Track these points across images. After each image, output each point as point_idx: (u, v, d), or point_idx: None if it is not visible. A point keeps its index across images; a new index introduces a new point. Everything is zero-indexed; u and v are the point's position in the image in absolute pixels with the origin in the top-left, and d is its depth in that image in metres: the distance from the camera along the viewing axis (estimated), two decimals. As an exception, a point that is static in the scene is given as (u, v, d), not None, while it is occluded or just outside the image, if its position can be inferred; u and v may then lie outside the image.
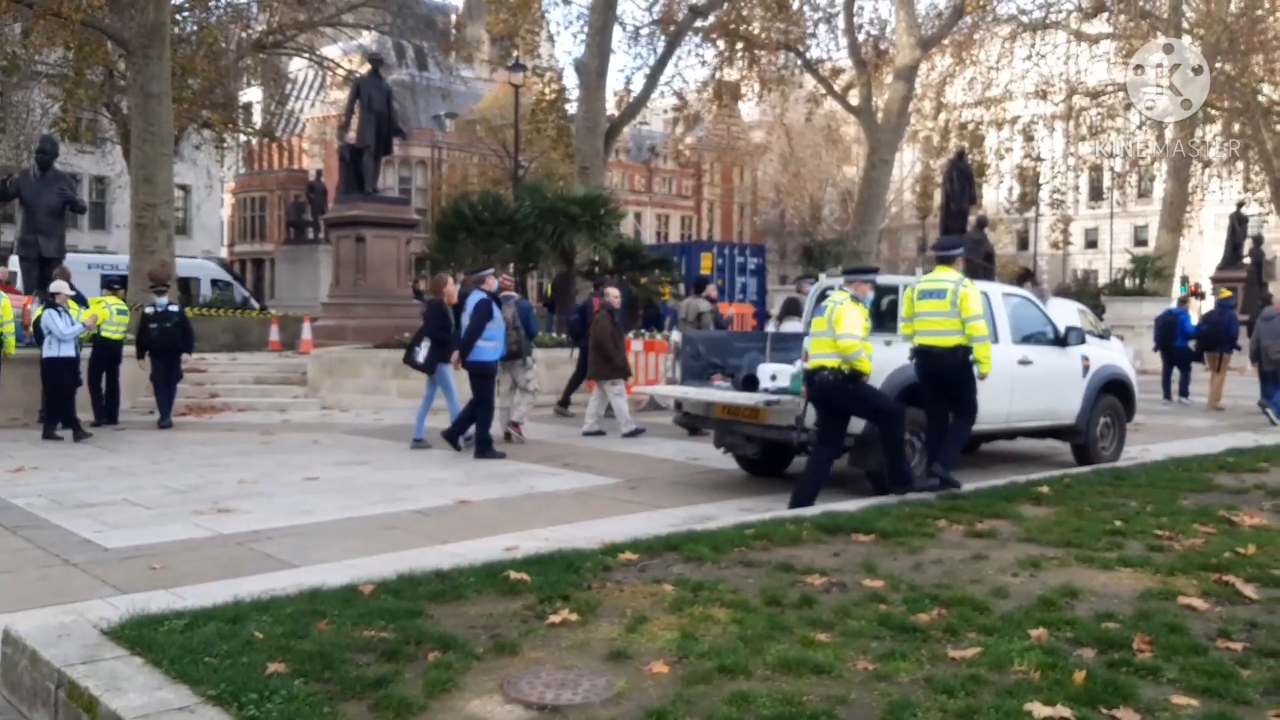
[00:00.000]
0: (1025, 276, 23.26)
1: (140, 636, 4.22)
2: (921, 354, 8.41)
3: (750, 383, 9.16)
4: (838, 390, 7.90)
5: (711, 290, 15.38)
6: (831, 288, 10.83)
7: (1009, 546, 6.18)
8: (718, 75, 31.63)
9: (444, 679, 3.81)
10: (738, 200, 76.70)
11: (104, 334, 13.15)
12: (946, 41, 33.13)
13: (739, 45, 26.67)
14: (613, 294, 13.05)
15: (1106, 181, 56.94)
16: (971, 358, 8.17)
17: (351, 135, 20.96)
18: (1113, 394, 10.66)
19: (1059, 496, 7.82)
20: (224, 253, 62.15)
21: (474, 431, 11.01)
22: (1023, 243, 69.18)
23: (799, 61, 28.67)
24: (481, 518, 7.90)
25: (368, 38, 37.27)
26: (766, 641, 4.26)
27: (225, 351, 18.67)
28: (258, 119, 42.57)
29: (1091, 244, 74.87)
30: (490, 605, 4.83)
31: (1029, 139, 50.23)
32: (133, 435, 12.58)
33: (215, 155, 38.68)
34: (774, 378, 9.20)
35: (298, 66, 49.54)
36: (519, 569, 5.34)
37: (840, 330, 7.74)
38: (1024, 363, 9.88)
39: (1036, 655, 4.06)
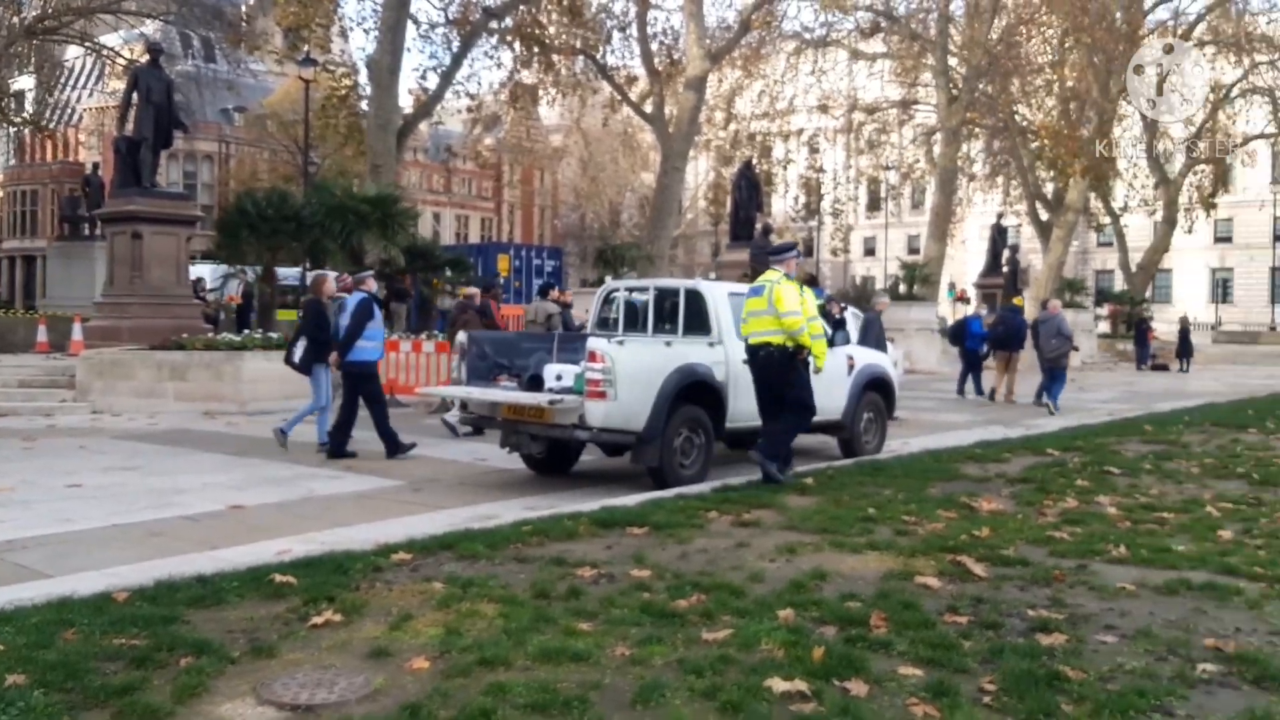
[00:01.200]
0: (810, 281, 24.37)
1: None
2: (750, 352, 8.82)
3: (536, 383, 9.25)
4: (781, 366, 8.50)
5: (563, 295, 15.48)
6: (617, 290, 11.15)
7: (771, 534, 6.51)
8: (515, 78, 31.66)
9: (194, 684, 3.73)
10: (538, 203, 76.77)
11: None
12: (736, 55, 34.29)
13: (534, 49, 26.75)
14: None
15: (883, 193, 60.37)
16: (803, 355, 8.54)
17: (129, 127, 19.88)
18: (875, 391, 11.32)
19: (822, 487, 8.27)
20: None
21: (329, 434, 10.98)
22: (808, 249, 72.06)
23: (594, 68, 28.99)
24: (255, 522, 7.66)
25: (150, 26, 35.32)
26: (529, 633, 4.36)
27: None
28: (31, 108, 39.72)
29: (870, 252, 78.93)
30: (252, 609, 4.74)
31: (813, 151, 52.60)
32: None
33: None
34: (559, 378, 9.33)
35: (75, 54, 46.48)
36: (285, 572, 5.25)
37: (783, 309, 8.33)
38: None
39: (782, 635, 4.32)
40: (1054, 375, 16.82)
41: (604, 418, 8.65)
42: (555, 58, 28.94)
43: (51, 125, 45.04)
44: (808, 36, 36.32)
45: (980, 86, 36.57)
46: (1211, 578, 5.42)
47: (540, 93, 34.37)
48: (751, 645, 4.24)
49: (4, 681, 3.67)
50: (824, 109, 43.10)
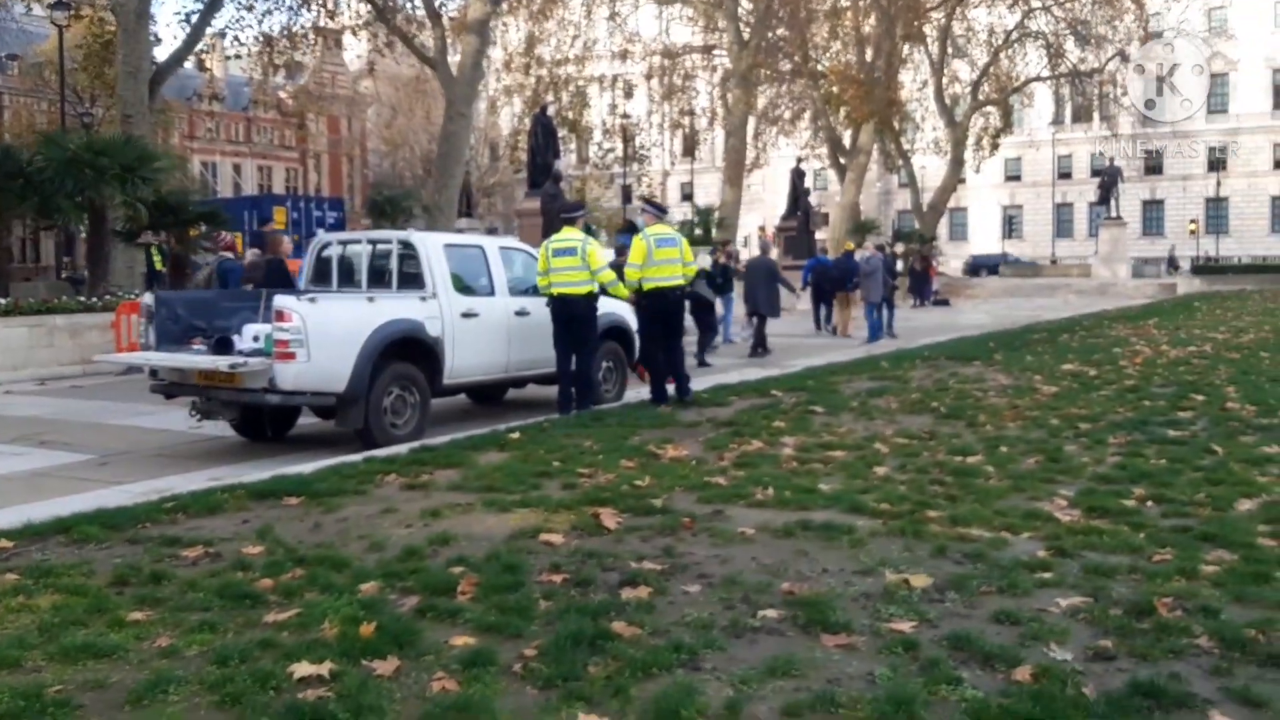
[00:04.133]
0: (629, 228, 24.45)
1: None
2: (560, 301, 9.77)
3: (225, 346, 8.74)
4: (677, 303, 10.58)
5: None
6: (330, 243, 10.68)
7: (432, 496, 6.30)
8: (297, 23, 30.16)
9: None
10: (345, 152, 74.17)
11: None
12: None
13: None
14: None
15: (694, 139, 60.77)
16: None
17: None
18: (614, 340, 11.24)
19: (526, 442, 8.09)
20: None
21: None
22: (626, 196, 72.19)
23: (373, 10, 27.85)
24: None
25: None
26: (69, 628, 4.01)
27: None
28: None
29: (687, 197, 79.56)
30: None
31: (628, 96, 52.45)
32: None
33: None
34: (256, 339, 8.86)
35: None
36: None
37: (690, 258, 10.44)
38: (521, 314, 10.20)
39: (349, 610, 4.11)
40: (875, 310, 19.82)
41: (295, 379, 8.28)
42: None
43: None
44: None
45: (770, 33, 37.02)
46: (834, 517, 5.50)
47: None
48: (310, 625, 4.01)
49: None
50: (624, 55, 42.83)
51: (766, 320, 17.40)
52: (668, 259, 10.36)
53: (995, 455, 7.12)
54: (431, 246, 9.63)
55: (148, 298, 9.19)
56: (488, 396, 11.69)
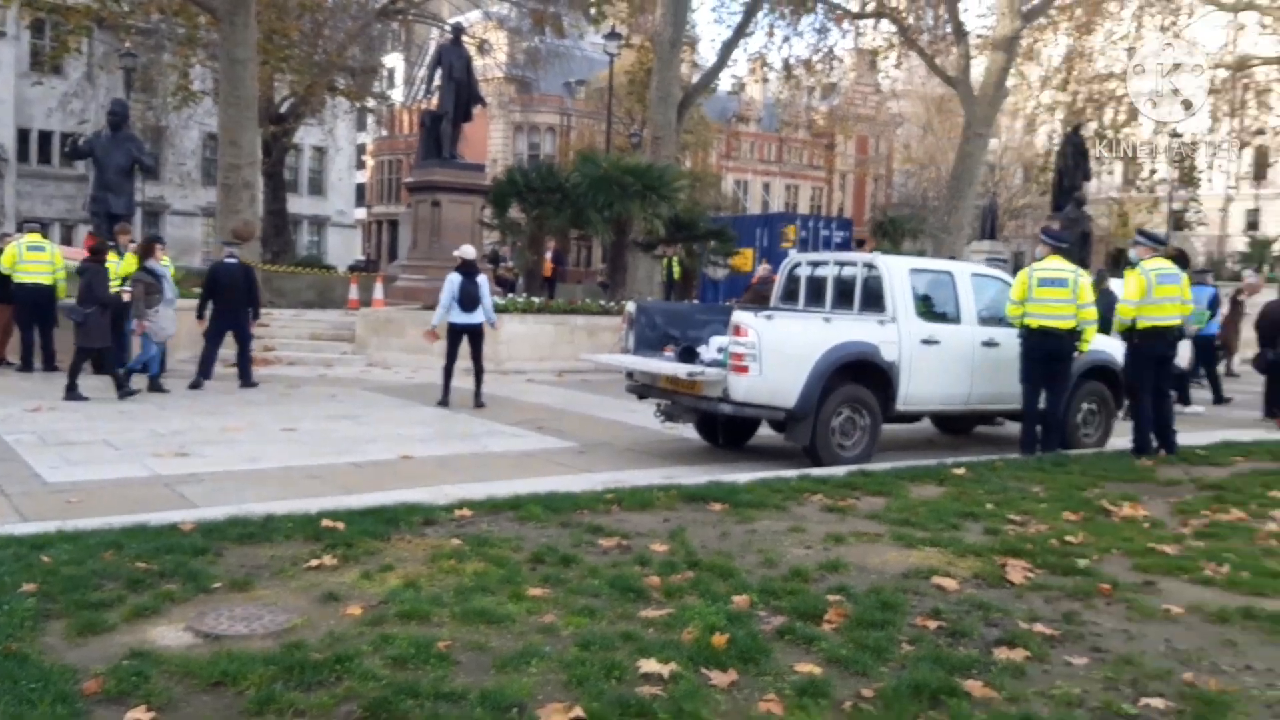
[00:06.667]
0: (1179, 258, 22.31)
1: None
2: (1040, 334, 9.29)
3: (689, 354, 9.32)
4: (1173, 346, 9.74)
5: None
6: (800, 264, 10.94)
7: (846, 522, 6.27)
8: (822, 46, 31.28)
9: (153, 606, 4.25)
10: (872, 172, 75.23)
11: (19, 278, 13.62)
12: (1077, 11, 31.91)
13: (809, 13, 26.16)
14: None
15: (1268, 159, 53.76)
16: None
17: (433, 102, 21.68)
18: (1101, 380, 10.36)
19: (969, 479, 7.76)
20: (361, 213, 64.93)
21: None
22: (1178, 223, 65.89)
23: (897, 30, 28.02)
24: (411, 472, 8.29)
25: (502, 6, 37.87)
26: (480, 593, 4.56)
27: (311, 309, 19.77)
28: (400, 85, 43.90)
29: (1252, 225, 70.48)
30: (285, 549, 5.25)
31: (1186, 108, 47.75)
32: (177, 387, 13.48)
33: (349, 119, 40.20)
34: (721, 350, 9.34)
35: (437, 34, 51.17)
36: (338, 519, 5.75)
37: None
38: (989, 344, 9.77)
39: (714, 619, 4.24)
40: None
41: (747, 391, 8.60)
42: (858, 23, 28.23)
43: (408, 102, 49.53)
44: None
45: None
46: (1292, 611, 4.65)
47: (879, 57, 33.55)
48: (675, 627, 4.20)
49: (19, 587, 4.37)
50: (1178, 68, 38.99)
51: None
52: (1168, 296, 9.37)
53: None
54: (895, 270, 9.53)
55: (630, 306, 10.06)
56: (954, 427, 11.33)
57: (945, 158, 65.39)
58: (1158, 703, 3.59)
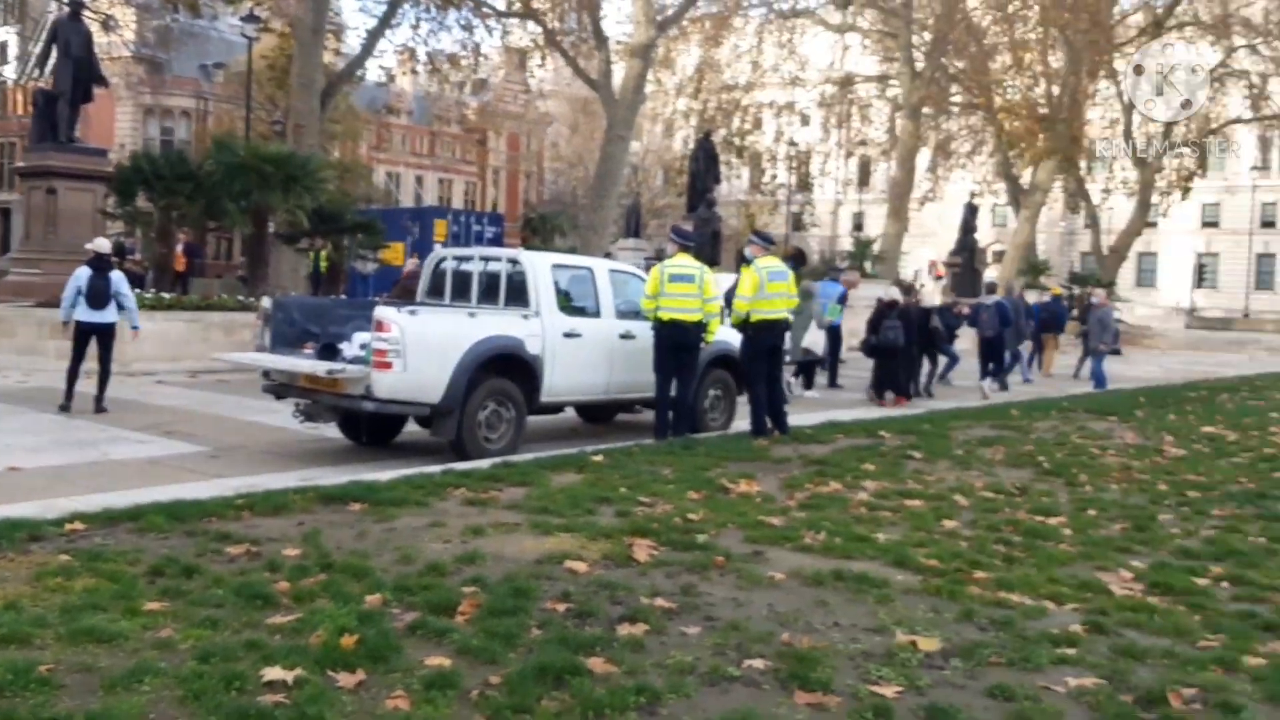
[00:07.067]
0: (796, 257, 24.13)
1: None
2: (670, 326, 9.76)
3: (329, 351, 9.09)
4: (782, 336, 10.51)
5: None
6: (446, 258, 10.98)
7: (486, 514, 6.36)
8: (479, 43, 31.44)
9: None
10: (524, 169, 76.29)
11: None
12: (706, 24, 33.91)
13: (455, 8, 26.25)
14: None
15: (871, 168, 59.97)
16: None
17: (47, 80, 19.73)
18: (722, 368, 11.13)
19: (607, 466, 8.07)
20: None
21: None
22: (797, 224, 71.66)
23: (542, 32, 28.64)
24: (24, 485, 7.48)
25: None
26: (90, 611, 4.23)
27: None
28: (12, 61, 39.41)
29: (858, 227, 78.25)
30: None
31: (805, 123, 52.16)
32: None
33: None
34: (364, 346, 9.17)
35: (55, 8, 46.22)
36: (-82, 539, 5.12)
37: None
38: (626, 336, 10.24)
39: (344, 621, 4.18)
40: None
41: (390, 388, 8.53)
42: (503, 21, 28.58)
43: (26, 77, 44.64)
44: (775, 8, 35.79)
45: (948, 64, 36.13)
46: (874, 569, 5.27)
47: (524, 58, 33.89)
48: (305, 631, 4.10)
49: None
50: (795, 82, 42.58)
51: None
52: (778, 292, 10.23)
53: (1079, 518, 6.71)
54: (538, 266, 9.79)
55: (265, 301, 9.66)
56: (597, 416, 11.78)
57: (593, 157, 67.48)
58: (759, 663, 3.95)
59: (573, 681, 3.68)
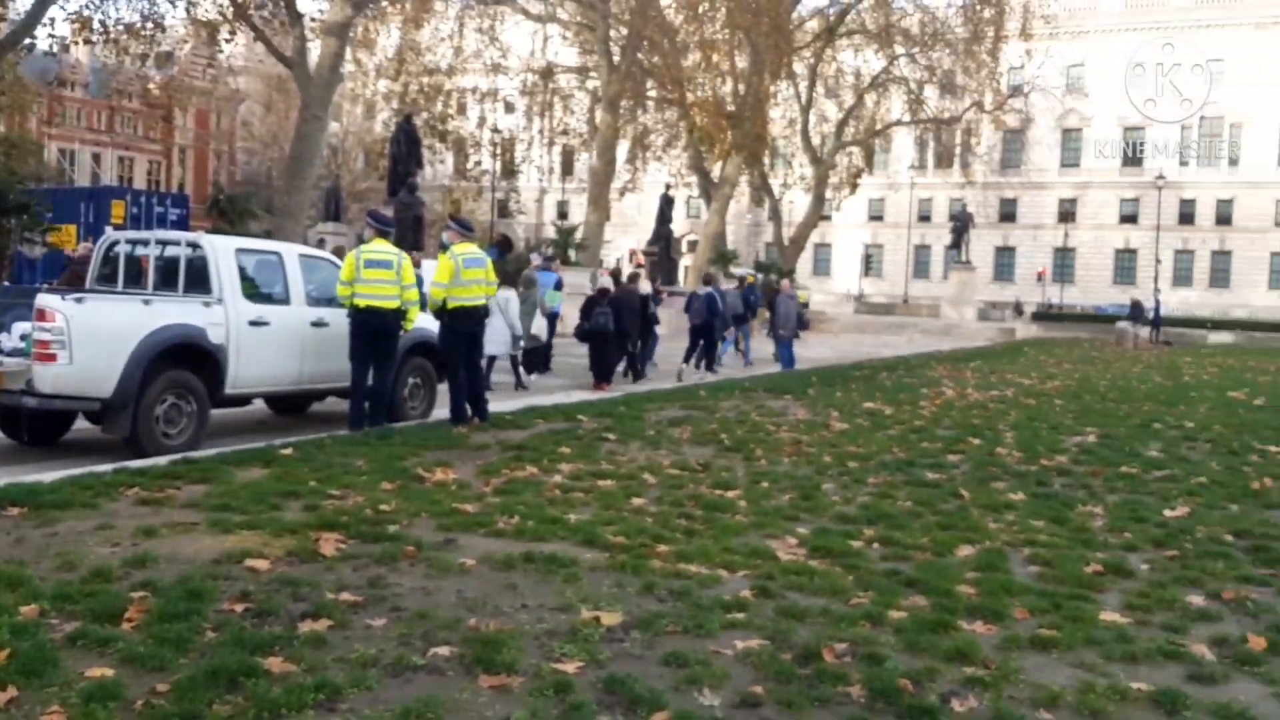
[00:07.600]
0: (503, 243, 24.06)
1: None
2: (367, 313, 9.47)
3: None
4: (480, 323, 10.46)
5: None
6: (118, 241, 10.25)
7: (161, 513, 6.01)
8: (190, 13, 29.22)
9: None
10: (214, 148, 71.81)
11: None
12: (392, 6, 33.19)
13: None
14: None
15: (574, 157, 60.93)
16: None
17: None
18: (422, 356, 11.01)
19: (296, 459, 7.80)
20: None
21: None
22: (502, 210, 71.70)
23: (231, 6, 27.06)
24: None
25: None
26: None
27: None
28: None
29: (563, 215, 79.47)
30: None
31: (509, 111, 52.16)
32: None
33: None
34: (24, 338, 8.39)
35: None
36: None
37: (493, 277, 10.42)
38: (318, 324, 9.93)
39: (-7, 635, 3.85)
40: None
41: (55, 382, 7.88)
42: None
43: None
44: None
45: (644, 59, 37.31)
46: (563, 549, 5.42)
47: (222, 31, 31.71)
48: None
49: None
50: (497, 69, 42.60)
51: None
52: (474, 279, 10.25)
53: (753, 490, 7.20)
54: (220, 250, 9.30)
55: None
56: (288, 408, 11.35)
57: (288, 137, 64.64)
58: (444, 650, 3.98)
59: (248, 683, 3.57)
